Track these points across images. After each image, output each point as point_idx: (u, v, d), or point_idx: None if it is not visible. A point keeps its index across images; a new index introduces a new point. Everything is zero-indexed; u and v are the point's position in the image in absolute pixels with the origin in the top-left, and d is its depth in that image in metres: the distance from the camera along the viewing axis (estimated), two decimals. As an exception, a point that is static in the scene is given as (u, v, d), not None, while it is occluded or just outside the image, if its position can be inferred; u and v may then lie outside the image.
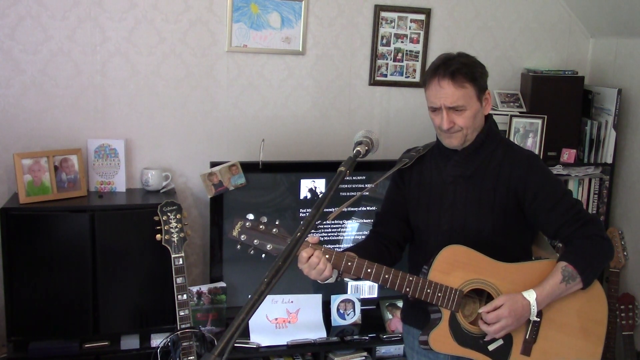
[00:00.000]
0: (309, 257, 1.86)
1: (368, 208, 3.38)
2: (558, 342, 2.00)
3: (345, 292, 3.40)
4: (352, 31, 3.51)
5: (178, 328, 2.80)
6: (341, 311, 3.38)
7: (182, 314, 2.81)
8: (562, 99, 3.54)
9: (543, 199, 2.00)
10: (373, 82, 3.58)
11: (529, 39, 3.78)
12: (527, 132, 3.48)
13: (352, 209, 3.37)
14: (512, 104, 3.61)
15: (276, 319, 3.24)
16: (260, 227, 1.88)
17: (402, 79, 3.61)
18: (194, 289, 3.14)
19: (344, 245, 3.34)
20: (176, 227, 2.84)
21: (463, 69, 1.95)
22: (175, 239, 2.83)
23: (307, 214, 2.34)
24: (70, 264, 2.89)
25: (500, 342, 1.98)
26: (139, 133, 3.27)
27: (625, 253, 3.49)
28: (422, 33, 3.58)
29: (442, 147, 2.09)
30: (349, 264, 1.91)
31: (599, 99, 3.62)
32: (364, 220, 3.39)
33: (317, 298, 3.32)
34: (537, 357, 1.99)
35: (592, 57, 3.85)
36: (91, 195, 3.12)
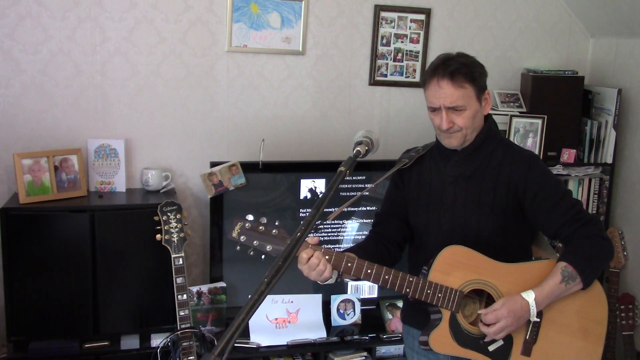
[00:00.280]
0: (309, 258, 1.86)
1: (368, 208, 3.38)
2: (558, 342, 2.00)
3: (345, 292, 3.41)
4: (352, 31, 3.51)
5: (178, 328, 2.80)
6: (341, 311, 3.38)
7: (182, 314, 2.81)
8: (562, 99, 3.53)
9: (543, 199, 2.00)
10: (373, 82, 3.58)
11: (529, 39, 3.78)
12: (527, 132, 3.48)
13: (352, 209, 3.37)
14: (512, 104, 3.61)
15: (276, 319, 3.24)
16: (260, 228, 1.88)
17: (402, 79, 3.61)
18: (194, 289, 3.14)
19: (344, 246, 3.34)
20: (176, 227, 2.84)
21: (462, 69, 1.95)
22: (175, 239, 2.83)
23: (307, 214, 2.33)
24: (70, 264, 2.89)
25: (501, 342, 1.98)
26: (139, 133, 3.27)
27: (625, 253, 3.49)
28: (422, 33, 3.58)
29: (442, 147, 2.09)
30: (349, 264, 1.90)
31: (599, 99, 3.62)
32: (364, 220, 3.39)
33: (317, 298, 3.32)
34: (537, 358, 1.99)
35: (592, 57, 3.85)
36: (91, 195, 3.12)
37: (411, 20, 3.56)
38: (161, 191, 3.23)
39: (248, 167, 3.18)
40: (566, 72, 3.64)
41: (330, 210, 2.92)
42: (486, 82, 2.04)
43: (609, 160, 3.56)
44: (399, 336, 3.29)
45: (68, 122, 3.17)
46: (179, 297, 2.81)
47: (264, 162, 3.20)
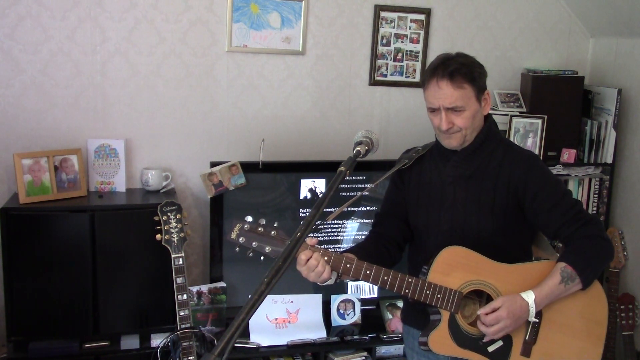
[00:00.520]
0: (308, 260, 1.86)
1: (368, 208, 3.38)
2: (558, 342, 2.00)
3: (345, 292, 3.41)
4: (352, 31, 3.51)
5: (178, 328, 2.80)
6: (341, 311, 3.38)
7: (182, 314, 2.81)
8: (562, 99, 3.53)
9: (543, 199, 2.00)
10: (373, 82, 3.58)
11: (529, 39, 3.78)
12: (527, 132, 3.48)
13: (352, 209, 3.37)
14: (512, 104, 3.61)
15: (276, 319, 3.24)
16: (259, 229, 1.87)
17: (402, 79, 3.61)
18: (194, 289, 3.14)
19: (344, 246, 3.34)
20: (176, 227, 2.84)
21: (462, 69, 1.95)
22: (175, 239, 2.83)
23: (307, 214, 2.33)
24: (70, 264, 2.89)
25: (500, 343, 1.98)
26: (139, 133, 3.28)
27: (625, 253, 3.49)
28: (422, 33, 3.58)
29: (442, 148, 2.09)
30: (348, 265, 1.90)
31: (599, 99, 3.61)
32: (364, 220, 3.39)
33: (317, 298, 3.32)
34: (537, 358, 1.99)
35: (592, 57, 3.85)
36: (91, 195, 3.12)
37: (411, 20, 3.56)
38: (161, 191, 3.23)
39: (248, 167, 3.18)
40: (566, 72, 3.64)
41: (330, 210, 2.92)
42: (486, 82, 2.04)
43: (609, 160, 3.56)
44: (399, 336, 3.29)
45: (68, 122, 3.17)
46: (179, 297, 2.81)
47: (264, 162, 3.20)
